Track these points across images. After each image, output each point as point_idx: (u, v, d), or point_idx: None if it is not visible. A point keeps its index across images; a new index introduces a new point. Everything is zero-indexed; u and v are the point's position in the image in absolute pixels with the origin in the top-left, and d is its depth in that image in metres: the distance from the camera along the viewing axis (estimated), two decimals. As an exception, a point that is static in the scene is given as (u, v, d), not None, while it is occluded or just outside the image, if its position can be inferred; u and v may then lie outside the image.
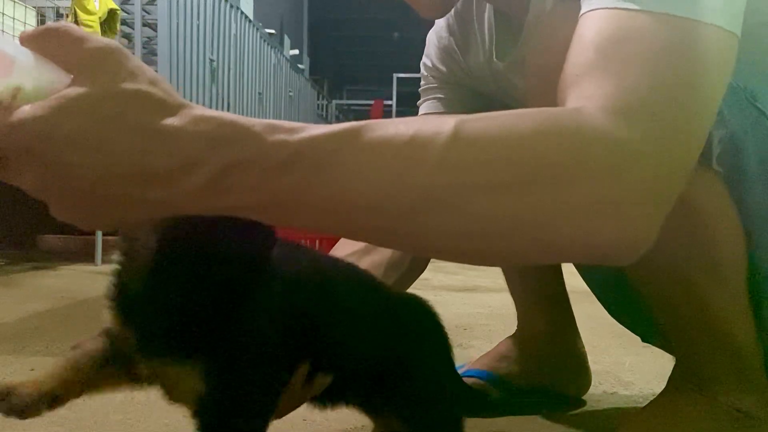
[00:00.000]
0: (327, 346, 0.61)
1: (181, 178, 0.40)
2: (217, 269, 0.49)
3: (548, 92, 0.59)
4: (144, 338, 0.52)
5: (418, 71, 1.02)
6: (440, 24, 0.95)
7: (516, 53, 0.78)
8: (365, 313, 0.65)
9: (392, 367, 0.66)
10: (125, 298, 0.52)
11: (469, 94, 0.96)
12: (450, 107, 0.96)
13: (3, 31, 2.57)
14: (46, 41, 0.41)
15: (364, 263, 0.78)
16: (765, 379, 0.69)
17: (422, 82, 1.01)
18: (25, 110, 0.38)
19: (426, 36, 0.99)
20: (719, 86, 0.51)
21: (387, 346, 0.66)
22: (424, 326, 0.71)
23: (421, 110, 1.00)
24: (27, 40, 0.42)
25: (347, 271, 0.67)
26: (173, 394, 0.53)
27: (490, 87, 0.90)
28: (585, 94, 0.47)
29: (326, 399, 0.65)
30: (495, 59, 0.84)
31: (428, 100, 0.99)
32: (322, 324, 0.60)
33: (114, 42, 0.42)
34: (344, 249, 0.84)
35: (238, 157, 0.40)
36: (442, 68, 0.96)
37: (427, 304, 0.71)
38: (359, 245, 0.83)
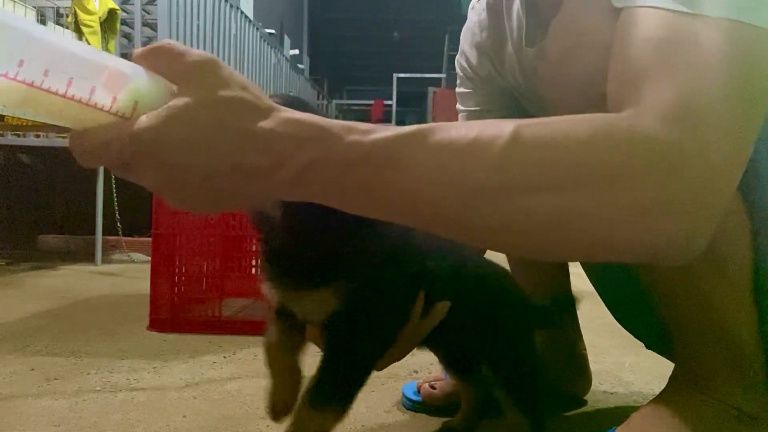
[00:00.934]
0: (441, 288, 0.71)
1: (272, 174, 0.46)
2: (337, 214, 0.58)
3: (567, 75, 0.59)
4: (286, 278, 0.64)
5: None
6: (473, 20, 0.96)
7: (544, 39, 0.78)
8: (475, 272, 0.76)
9: (492, 326, 0.78)
10: (271, 253, 0.64)
11: (503, 98, 0.97)
12: (484, 118, 0.98)
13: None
14: (154, 57, 0.47)
15: None
16: (766, 379, 0.69)
17: (458, 83, 1.03)
18: (142, 121, 0.44)
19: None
20: None
21: (488, 308, 0.77)
22: (513, 293, 0.82)
23: (459, 118, 1.04)
24: (138, 56, 0.47)
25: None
26: (309, 317, 0.64)
27: (518, 81, 0.90)
28: (642, 99, 0.49)
29: (437, 343, 0.78)
30: (524, 46, 0.84)
31: (463, 112, 1.03)
32: (436, 270, 0.71)
33: (210, 55, 0.48)
34: None
35: (319, 155, 0.46)
36: (477, 66, 0.97)
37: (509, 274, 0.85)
38: None
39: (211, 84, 0.46)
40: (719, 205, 0.49)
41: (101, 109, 0.44)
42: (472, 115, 1.00)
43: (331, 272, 0.62)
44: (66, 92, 0.43)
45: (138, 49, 0.48)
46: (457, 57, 1.01)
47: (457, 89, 1.03)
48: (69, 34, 2.99)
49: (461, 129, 0.47)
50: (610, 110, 0.53)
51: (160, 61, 0.47)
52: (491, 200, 0.46)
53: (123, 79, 0.45)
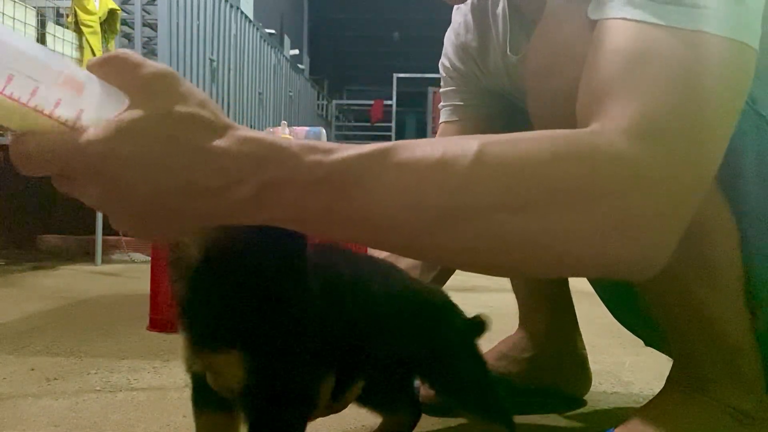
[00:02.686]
0: (362, 347, 0.66)
1: (226, 194, 0.43)
2: (255, 267, 0.54)
3: (546, 89, 0.59)
4: (194, 334, 0.58)
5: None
6: (457, 21, 0.96)
7: (528, 47, 0.78)
8: (398, 309, 0.70)
9: (430, 358, 0.73)
10: (181, 302, 0.58)
11: (487, 96, 0.97)
12: (467, 113, 0.98)
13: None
14: (109, 67, 0.45)
15: (402, 263, 0.82)
16: (763, 379, 0.69)
17: (442, 83, 1.03)
18: (90, 132, 0.42)
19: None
20: (738, 105, 0.52)
21: (421, 340, 0.73)
22: (452, 316, 0.78)
23: (442, 116, 1.03)
24: (93, 66, 0.45)
25: (380, 269, 0.73)
26: (220, 382, 0.58)
27: (504, 83, 0.90)
28: (607, 114, 0.49)
29: (368, 399, 0.74)
30: (508, 52, 0.84)
31: (447, 106, 1.01)
32: (357, 325, 0.65)
33: (168, 67, 0.45)
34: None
35: (276, 176, 0.44)
36: (460, 66, 0.97)
37: (446, 294, 0.79)
38: None
39: (166, 98, 0.43)
40: (682, 221, 0.49)
41: (41, 112, 0.41)
42: (458, 110, 1.00)
43: (238, 335, 0.55)
44: (3, 89, 0.40)
45: (93, 58, 0.46)
46: (441, 59, 1.01)
47: (441, 89, 1.03)
48: (69, 35, 2.99)
49: (425, 147, 0.46)
50: (579, 123, 0.53)
51: (115, 71, 0.44)
52: (455, 221, 0.45)
53: (72, 84, 0.43)
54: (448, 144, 0.47)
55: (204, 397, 0.61)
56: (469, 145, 0.46)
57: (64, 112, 0.42)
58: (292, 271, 0.57)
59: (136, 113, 0.42)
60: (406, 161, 0.45)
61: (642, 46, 0.50)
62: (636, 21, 0.50)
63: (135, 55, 0.45)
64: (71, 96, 0.42)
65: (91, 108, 0.43)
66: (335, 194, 0.45)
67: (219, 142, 0.43)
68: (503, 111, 0.96)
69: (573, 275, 0.55)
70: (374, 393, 0.72)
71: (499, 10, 0.86)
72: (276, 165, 0.44)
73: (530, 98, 0.69)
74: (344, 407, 0.69)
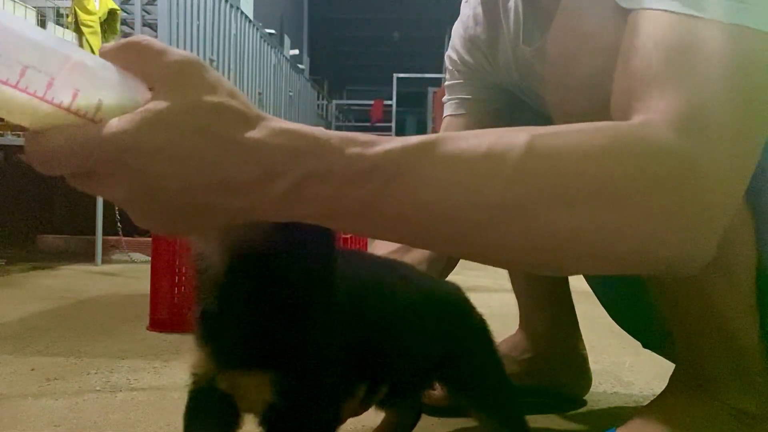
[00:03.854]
0: (388, 354, 0.64)
1: (260, 188, 0.41)
2: (287, 281, 0.51)
3: (568, 78, 0.58)
4: (219, 351, 0.54)
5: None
6: (466, 14, 0.95)
7: (544, 39, 0.77)
8: (421, 312, 0.69)
9: (451, 359, 0.71)
10: (203, 314, 0.54)
11: (494, 91, 0.96)
12: (474, 108, 0.97)
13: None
14: (127, 54, 0.42)
15: (406, 260, 0.81)
16: (767, 380, 0.69)
17: (447, 77, 1.01)
18: (113, 124, 0.39)
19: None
20: None
21: (443, 341, 0.71)
22: (471, 315, 0.76)
23: (446, 110, 1.01)
24: (107, 53, 0.42)
25: (399, 271, 0.71)
26: (244, 404, 0.55)
27: (513, 77, 0.90)
28: (653, 107, 0.48)
29: (389, 401, 0.71)
30: (522, 44, 0.83)
31: (452, 100, 0.99)
32: (384, 335, 0.63)
33: (193, 55, 0.43)
34: (385, 246, 0.87)
35: (315, 169, 0.41)
36: (468, 59, 0.96)
37: (463, 292, 0.77)
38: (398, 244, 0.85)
39: (194, 87, 0.41)
40: (728, 214, 0.48)
41: (59, 106, 0.38)
42: (463, 104, 0.98)
43: (273, 354, 0.52)
44: (18, 83, 0.37)
45: (108, 44, 0.43)
46: (448, 52, 1.00)
47: (446, 83, 1.01)
48: (69, 35, 2.99)
49: (471, 140, 0.45)
50: (615, 115, 0.53)
51: (135, 59, 0.42)
52: (507, 216, 0.44)
53: (88, 74, 0.40)
54: (494, 136, 0.45)
55: (198, 420, 0.59)
56: (517, 136, 0.45)
57: (83, 104, 0.39)
58: (325, 283, 0.54)
59: (163, 104, 0.40)
60: (452, 153, 0.44)
61: (683, 37, 0.49)
62: (675, 12, 0.50)
63: (157, 41, 0.43)
64: (88, 85, 0.40)
65: (111, 98, 0.40)
66: (378, 189, 0.42)
67: (252, 134, 0.41)
68: (508, 106, 0.95)
69: (621, 272, 0.54)
70: (393, 396, 0.69)
71: (511, 3, 0.85)
72: (314, 158, 0.42)
73: (549, 88, 0.68)
74: (367, 410, 0.68)
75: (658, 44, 0.50)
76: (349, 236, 1.91)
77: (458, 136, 0.45)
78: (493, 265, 0.51)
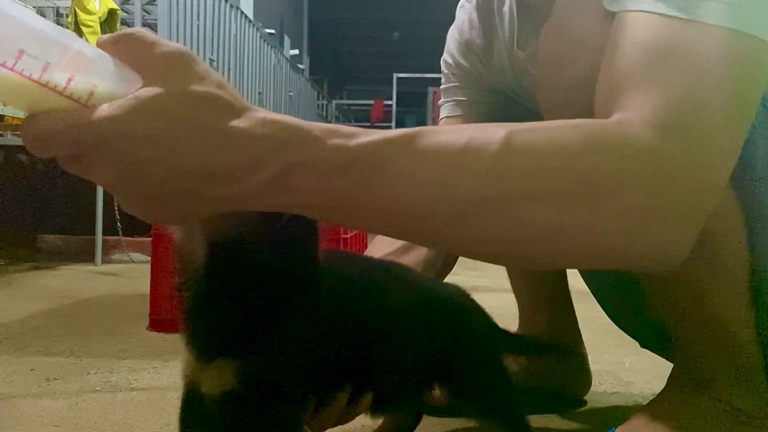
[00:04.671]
0: (372, 359, 0.62)
1: (245, 177, 0.42)
2: (263, 276, 0.52)
3: (558, 80, 0.59)
4: (196, 341, 0.55)
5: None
6: (461, 18, 0.96)
7: (539, 39, 0.78)
8: (411, 316, 0.67)
9: (448, 359, 0.69)
10: (185, 306, 0.55)
11: (488, 94, 0.96)
12: (470, 109, 0.98)
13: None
14: (122, 46, 0.43)
15: (404, 260, 0.81)
16: (765, 379, 0.69)
17: (443, 80, 1.02)
18: (103, 109, 0.41)
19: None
20: (756, 100, 0.52)
21: (436, 345, 0.69)
22: (473, 319, 0.75)
23: (442, 112, 1.02)
24: (104, 43, 0.44)
25: (393, 273, 0.69)
26: (204, 386, 0.55)
27: (509, 81, 0.90)
28: (631, 105, 0.48)
29: (382, 408, 0.69)
30: (516, 48, 0.84)
31: (449, 102, 1.00)
32: (368, 340, 0.62)
33: (183, 47, 0.44)
34: (383, 248, 0.86)
35: (298, 159, 0.43)
36: (464, 63, 0.97)
37: (467, 295, 0.77)
38: (397, 245, 0.86)
39: (183, 77, 0.42)
40: (705, 210, 0.49)
41: (53, 90, 0.40)
42: (460, 104, 0.99)
43: (240, 342, 0.53)
44: (14, 65, 0.38)
45: (104, 36, 0.45)
46: (444, 56, 1.01)
47: (442, 86, 1.02)
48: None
49: (450, 134, 0.46)
50: (597, 114, 0.53)
51: (129, 50, 0.43)
52: (482, 210, 0.45)
53: (84, 63, 0.41)
54: (473, 131, 0.46)
55: (193, 418, 0.59)
56: (495, 132, 0.45)
57: (77, 89, 0.41)
58: (305, 276, 0.54)
59: (152, 91, 0.41)
60: (431, 147, 0.44)
61: (666, 38, 0.50)
62: (658, 14, 0.50)
63: (149, 33, 0.44)
64: (83, 73, 0.41)
65: (104, 86, 0.42)
66: (359, 179, 0.43)
67: (238, 123, 0.42)
68: (504, 110, 0.95)
69: (597, 267, 0.55)
70: (387, 400, 0.68)
71: (506, 8, 0.85)
72: (298, 148, 0.43)
73: (541, 89, 0.69)
74: (354, 417, 0.65)
75: (638, 45, 0.51)
76: (347, 235, 1.91)
77: (439, 131, 0.46)
78: (473, 258, 0.52)
